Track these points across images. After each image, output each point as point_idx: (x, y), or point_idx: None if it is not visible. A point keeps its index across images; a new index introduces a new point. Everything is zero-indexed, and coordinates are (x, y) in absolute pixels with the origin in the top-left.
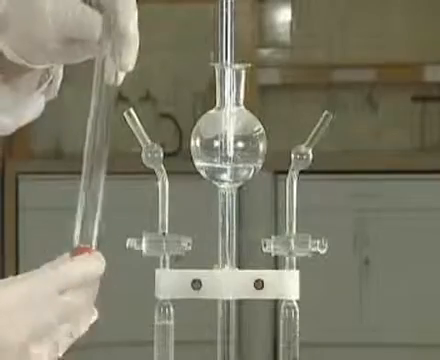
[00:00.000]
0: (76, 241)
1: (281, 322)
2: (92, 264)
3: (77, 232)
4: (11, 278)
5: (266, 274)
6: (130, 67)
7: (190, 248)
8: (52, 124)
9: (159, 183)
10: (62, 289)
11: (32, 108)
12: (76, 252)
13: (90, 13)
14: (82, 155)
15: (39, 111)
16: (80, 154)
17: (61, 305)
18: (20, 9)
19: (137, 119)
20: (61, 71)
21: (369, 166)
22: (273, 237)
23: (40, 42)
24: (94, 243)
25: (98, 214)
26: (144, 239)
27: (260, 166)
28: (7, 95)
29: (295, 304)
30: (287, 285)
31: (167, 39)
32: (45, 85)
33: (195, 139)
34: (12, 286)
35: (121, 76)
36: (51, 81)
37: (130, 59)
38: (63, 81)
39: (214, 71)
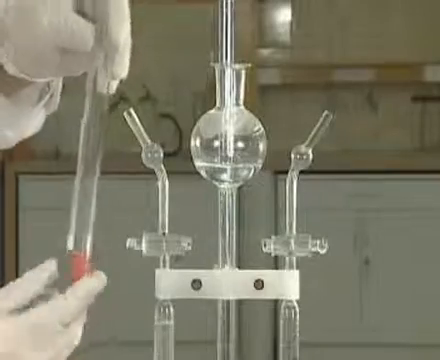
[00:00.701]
0: (70, 247)
1: (281, 322)
2: (95, 288)
3: (71, 238)
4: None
5: (266, 274)
6: (122, 75)
7: (190, 248)
8: (52, 124)
9: (159, 183)
10: (67, 322)
11: (33, 121)
12: (71, 259)
13: (83, 24)
14: (82, 156)
15: (40, 124)
16: None
17: (69, 338)
18: (18, 20)
19: (137, 119)
20: (60, 85)
21: (369, 166)
22: (273, 237)
23: (38, 52)
24: (88, 248)
25: (91, 219)
26: (144, 239)
27: (260, 166)
28: (9, 108)
29: (295, 304)
30: (287, 285)
31: (167, 39)
32: (46, 98)
33: (195, 139)
34: (19, 319)
35: (114, 85)
36: (51, 95)
37: (122, 68)
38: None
39: (214, 71)
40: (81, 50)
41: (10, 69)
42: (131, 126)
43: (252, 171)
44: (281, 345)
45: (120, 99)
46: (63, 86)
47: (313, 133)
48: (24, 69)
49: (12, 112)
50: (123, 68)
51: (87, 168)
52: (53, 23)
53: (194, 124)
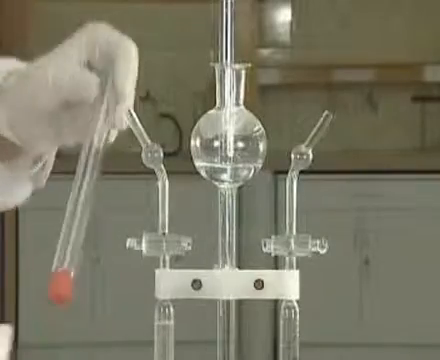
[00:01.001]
0: (54, 263)
1: (281, 322)
2: None
3: (57, 254)
4: None
5: (266, 274)
6: (124, 126)
7: (190, 248)
8: None
9: (159, 183)
10: None
11: (20, 192)
12: (53, 275)
13: (88, 75)
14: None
15: (25, 196)
16: (79, 154)
17: None
18: (17, 84)
19: (137, 119)
20: (52, 160)
21: (369, 166)
22: (273, 237)
23: (39, 108)
24: (69, 265)
25: (79, 240)
26: (144, 239)
27: (260, 166)
28: (3, 173)
29: (295, 304)
30: (287, 285)
31: (167, 39)
32: (37, 167)
33: (195, 139)
34: None
35: (113, 134)
36: (43, 167)
37: (124, 118)
38: None
39: (214, 71)
40: (85, 101)
41: (5, 132)
42: (131, 126)
43: (252, 171)
44: (281, 345)
45: None
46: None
47: (313, 133)
48: (20, 134)
49: (6, 180)
50: (125, 119)
51: (79, 202)
52: (57, 79)
53: (194, 124)
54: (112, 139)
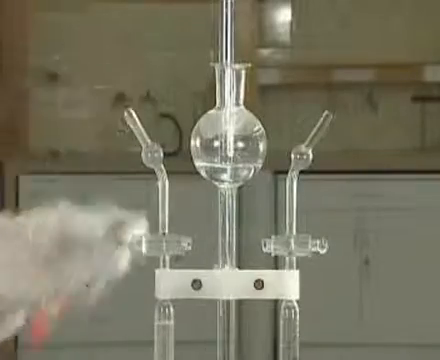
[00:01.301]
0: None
1: (281, 322)
2: None
3: None
4: None
5: (266, 274)
6: (129, 242)
7: (190, 248)
8: (51, 124)
9: (159, 183)
10: None
11: None
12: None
13: (91, 220)
14: (81, 155)
15: None
16: (79, 154)
17: None
18: None
19: (137, 119)
20: (20, 321)
21: (369, 166)
22: (273, 237)
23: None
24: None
25: None
26: (144, 239)
27: (260, 166)
28: None
29: (295, 304)
30: (287, 285)
31: (167, 39)
32: (11, 317)
33: (195, 139)
34: None
35: (92, 297)
36: (8, 321)
37: (127, 236)
38: (58, 80)
39: (214, 71)
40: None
41: None
42: (131, 126)
43: (252, 171)
44: (281, 345)
45: (120, 99)
46: (58, 81)
47: (313, 133)
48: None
49: None
50: (128, 237)
51: None
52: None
53: (194, 124)
54: (90, 302)
